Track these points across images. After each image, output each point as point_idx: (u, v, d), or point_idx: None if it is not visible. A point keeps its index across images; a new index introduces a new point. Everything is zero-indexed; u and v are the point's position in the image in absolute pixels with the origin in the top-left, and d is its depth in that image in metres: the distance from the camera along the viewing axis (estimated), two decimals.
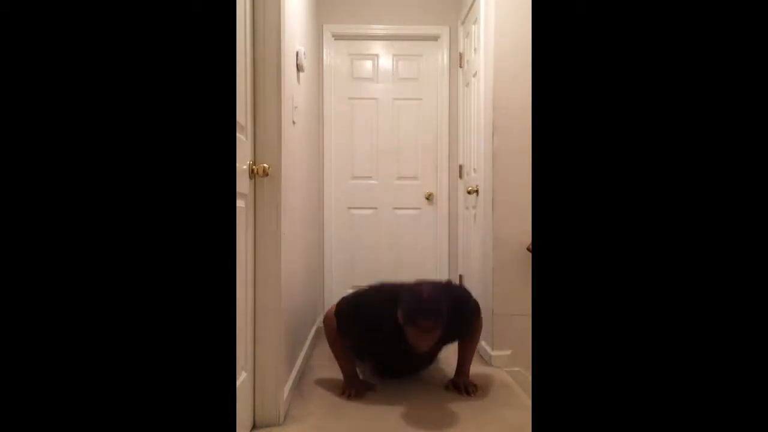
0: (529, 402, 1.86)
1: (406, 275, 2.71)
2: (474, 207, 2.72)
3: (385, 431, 1.63)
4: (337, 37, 3.23)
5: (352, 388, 1.93)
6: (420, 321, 1.60)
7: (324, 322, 2.00)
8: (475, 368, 2.03)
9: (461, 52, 3.13)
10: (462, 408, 1.81)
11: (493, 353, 2.31)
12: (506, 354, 2.31)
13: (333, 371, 2.22)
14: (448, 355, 2.44)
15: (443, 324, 1.64)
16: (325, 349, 2.66)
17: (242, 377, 1.48)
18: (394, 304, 1.73)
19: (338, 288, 3.18)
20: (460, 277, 3.09)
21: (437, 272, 3.24)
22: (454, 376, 2.03)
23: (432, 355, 2.07)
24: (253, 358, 1.60)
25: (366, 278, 2.87)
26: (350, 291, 2.24)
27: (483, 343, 2.44)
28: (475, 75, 2.72)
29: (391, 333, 1.75)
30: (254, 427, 1.62)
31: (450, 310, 1.69)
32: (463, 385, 1.95)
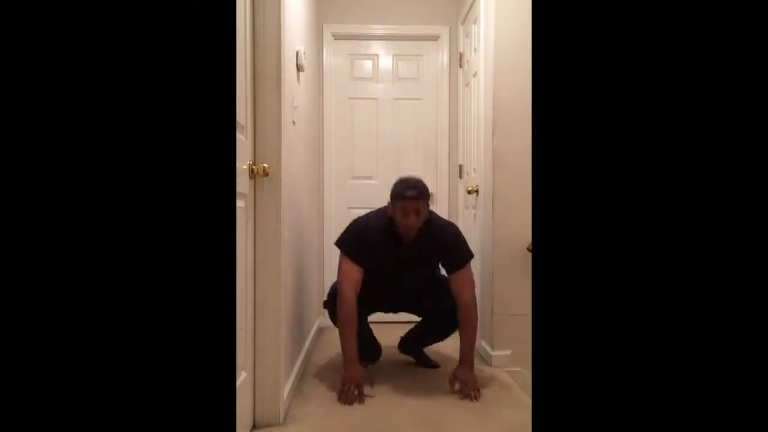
0: (529, 402, 1.86)
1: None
2: (474, 207, 2.72)
3: (385, 431, 1.63)
4: (337, 37, 3.23)
5: (350, 382, 1.91)
6: (406, 192, 1.91)
7: (338, 298, 2.05)
8: (475, 368, 2.03)
9: (461, 52, 3.12)
10: (461, 408, 1.81)
11: (493, 353, 2.31)
12: (506, 354, 2.31)
13: (333, 371, 2.22)
14: (448, 353, 2.44)
15: (426, 200, 1.94)
16: (325, 349, 2.66)
17: (242, 377, 1.48)
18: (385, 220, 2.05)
19: None
20: None
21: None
22: (457, 367, 2.00)
23: (424, 272, 2.18)
24: (253, 358, 1.60)
25: None
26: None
27: (483, 343, 2.44)
28: (475, 75, 2.72)
29: (388, 237, 2.03)
30: (254, 427, 1.62)
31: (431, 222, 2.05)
32: (464, 384, 1.92)
